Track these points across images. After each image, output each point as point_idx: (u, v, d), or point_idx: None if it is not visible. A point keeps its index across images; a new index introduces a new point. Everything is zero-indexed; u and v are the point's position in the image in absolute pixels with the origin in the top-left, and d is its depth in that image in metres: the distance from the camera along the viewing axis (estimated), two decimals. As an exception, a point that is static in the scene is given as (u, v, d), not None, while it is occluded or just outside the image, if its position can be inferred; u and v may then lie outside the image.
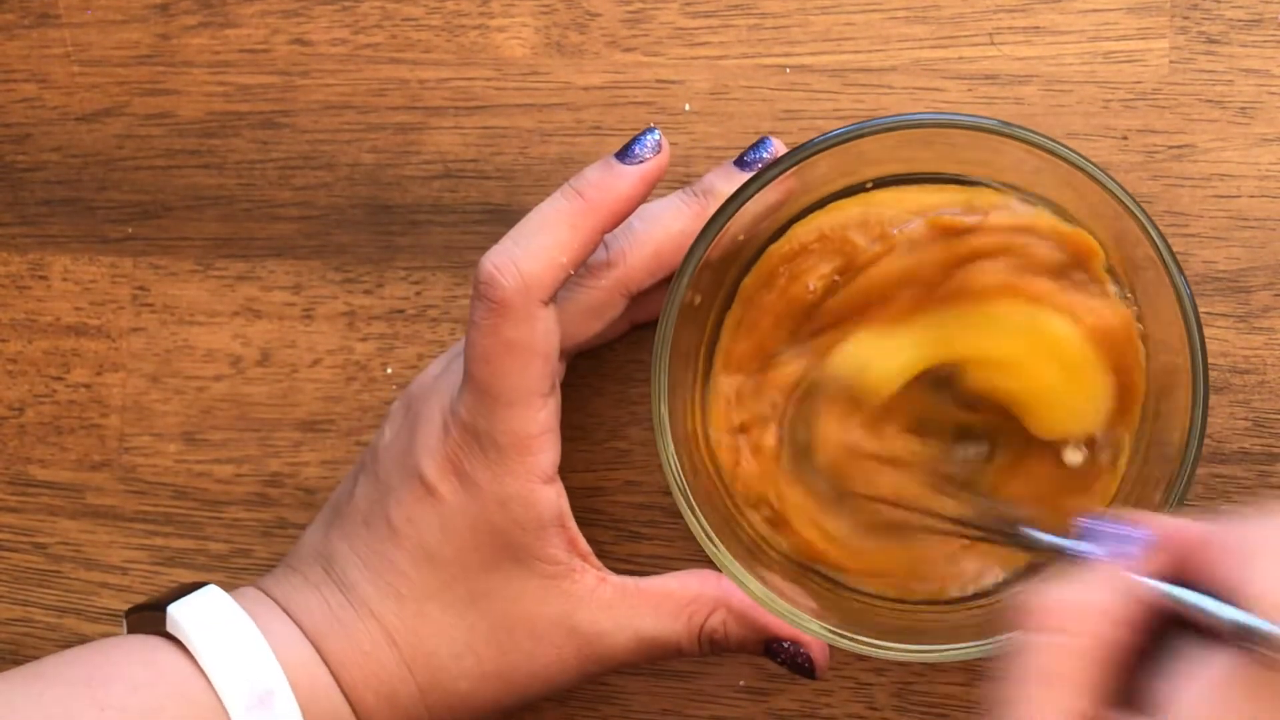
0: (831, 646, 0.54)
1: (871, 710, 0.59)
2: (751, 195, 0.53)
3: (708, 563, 0.59)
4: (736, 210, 0.53)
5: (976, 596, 0.56)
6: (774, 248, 0.56)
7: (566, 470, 0.61)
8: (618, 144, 0.55)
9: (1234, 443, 0.58)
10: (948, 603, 0.56)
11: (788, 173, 0.53)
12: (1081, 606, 0.43)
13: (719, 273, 0.55)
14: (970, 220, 0.54)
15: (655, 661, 0.56)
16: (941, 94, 0.60)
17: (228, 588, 0.54)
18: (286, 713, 0.52)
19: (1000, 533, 0.54)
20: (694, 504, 0.54)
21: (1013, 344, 0.54)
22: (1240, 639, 0.41)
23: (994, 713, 0.43)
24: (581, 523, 0.61)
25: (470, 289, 0.53)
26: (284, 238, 0.63)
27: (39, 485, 0.64)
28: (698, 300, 0.54)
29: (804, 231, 0.55)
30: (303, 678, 0.53)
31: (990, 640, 0.52)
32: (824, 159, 0.53)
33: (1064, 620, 0.42)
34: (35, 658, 0.63)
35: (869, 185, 0.56)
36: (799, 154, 0.52)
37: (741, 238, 0.55)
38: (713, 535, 0.54)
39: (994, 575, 0.56)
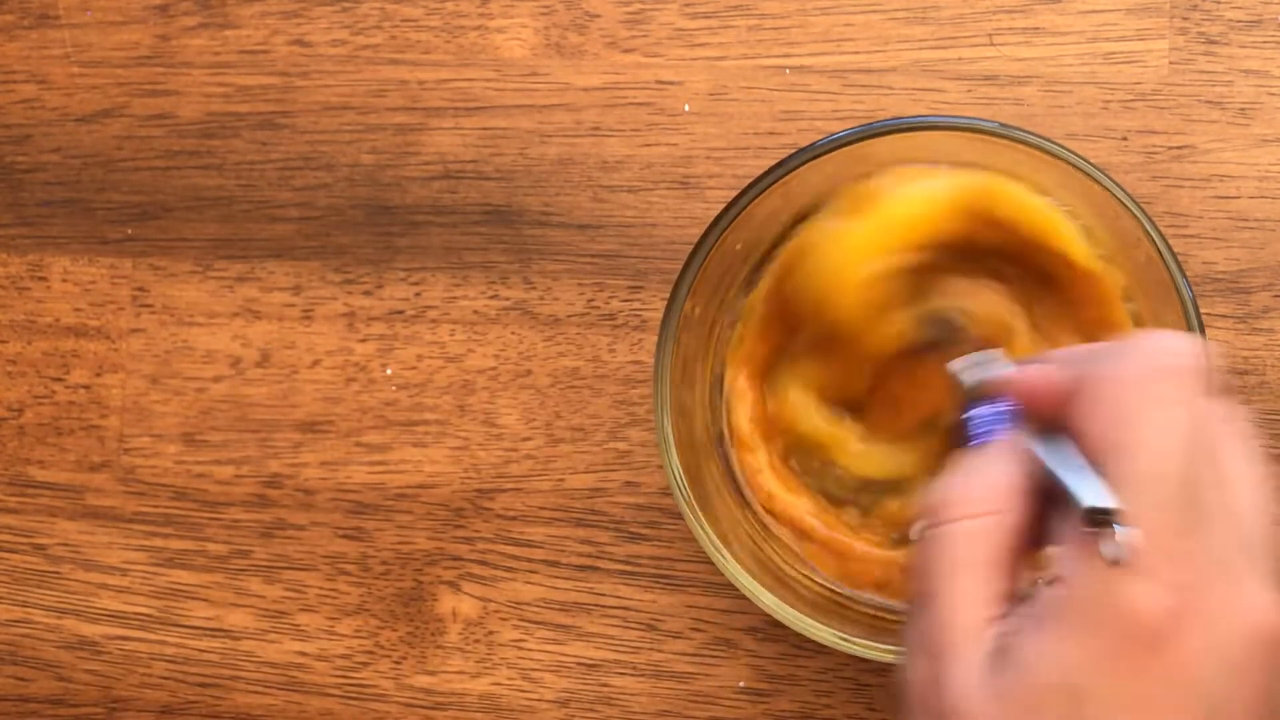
0: (833, 648, 0.54)
1: (871, 711, 0.60)
2: (747, 205, 0.53)
3: (708, 564, 0.59)
4: (733, 220, 0.53)
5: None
6: (786, 250, 0.56)
7: (566, 471, 0.61)
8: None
9: (1234, 443, 0.58)
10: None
11: (782, 180, 0.53)
12: (979, 489, 0.42)
13: (718, 281, 0.55)
14: None
15: None
16: (941, 95, 0.60)
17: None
18: None
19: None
20: (700, 515, 0.54)
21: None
22: (1090, 523, 0.39)
23: (914, 611, 0.42)
24: (581, 524, 0.61)
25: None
26: (284, 239, 0.63)
27: (38, 486, 0.64)
28: (697, 311, 0.55)
29: (812, 232, 0.56)
30: None
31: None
32: (823, 164, 0.53)
33: (966, 507, 0.42)
34: (35, 659, 0.63)
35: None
36: (795, 160, 0.52)
37: (739, 247, 0.55)
38: (720, 546, 0.54)
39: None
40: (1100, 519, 0.39)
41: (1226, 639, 0.39)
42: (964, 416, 0.45)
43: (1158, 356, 0.42)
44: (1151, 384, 0.41)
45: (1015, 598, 0.41)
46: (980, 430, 0.45)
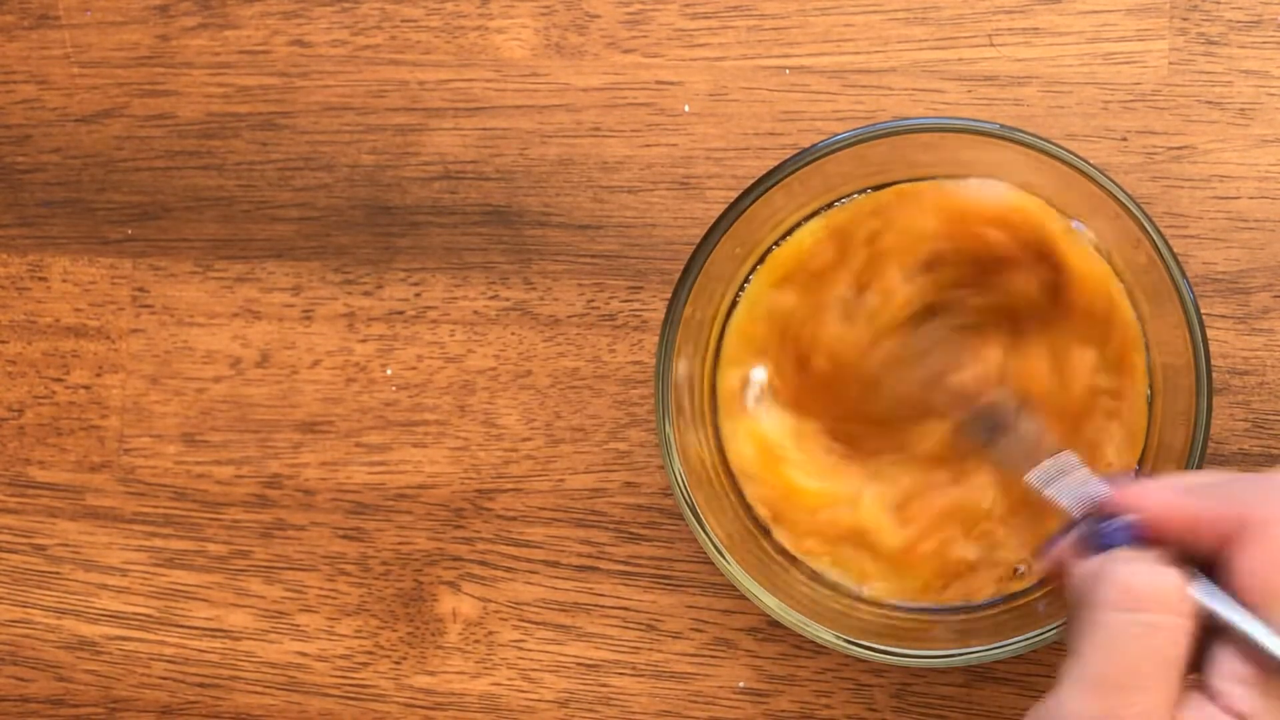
0: (832, 648, 0.54)
1: (871, 711, 0.60)
2: (747, 206, 0.53)
3: (708, 564, 0.59)
4: (734, 221, 0.53)
5: (986, 605, 0.57)
6: (779, 251, 0.56)
7: (566, 471, 0.61)
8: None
9: (1233, 444, 0.58)
10: (960, 609, 0.57)
11: (782, 183, 0.53)
12: (1169, 589, 0.43)
13: (718, 282, 0.55)
14: None
15: None
16: (941, 95, 0.60)
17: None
18: None
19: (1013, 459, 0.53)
20: (701, 516, 0.54)
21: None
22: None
23: (1093, 695, 0.42)
24: (581, 524, 0.61)
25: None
26: (283, 239, 0.63)
27: (38, 486, 0.64)
28: (698, 315, 0.55)
29: (807, 233, 0.56)
30: None
31: (1000, 644, 0.53)
32: (824, 164, 0.53)
33: (1175, 602, 0.43)
34: (35, 659, 0.63)
35: (869, 189, 0.56)
36: (796, 161, 0.53)
37: (739, 250, 0.55)
38: (721, 547, 0.54)
39: (1013, 584, 0.57)
40: None
41: None
42: (1090, 526, 0.46)
43: None
44: None
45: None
46: (1111, 535, 0.46)
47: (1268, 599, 0.42)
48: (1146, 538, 0.45)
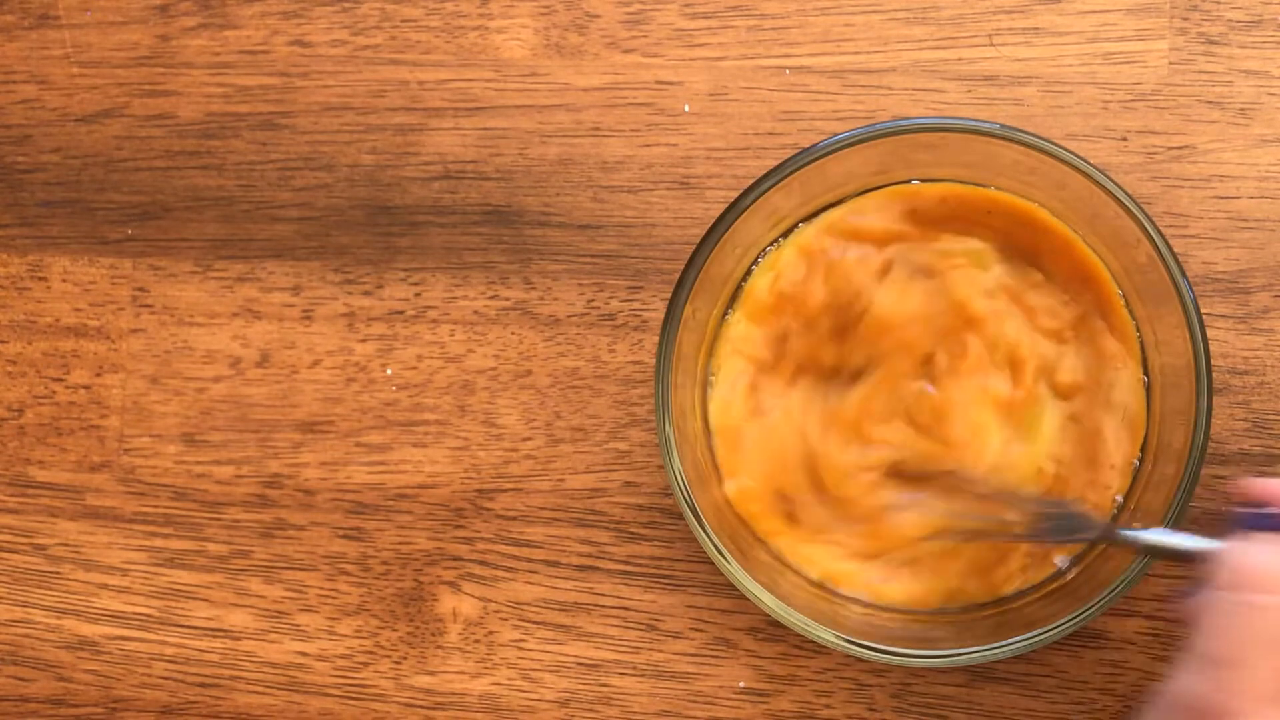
0: (832, 648, 0.54)
1: (871, 711, 0.60)
2: (747, 206, 0.53)
3: (708, 564, 0.59)
4: (734, 221, 0.53)
5: (986, 605, 0.57)
6: (776, 252, 0.56)
7: (566, 471, 0.61)
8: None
9: (1233, 443, 0.58)
10: (960, 609, 0.57)
11: (782, 184, 0.53)
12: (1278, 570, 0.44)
13: (716, 283, 0.55)
14: None
15: None
16: (941, 95, 0.60)
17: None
18: None
19: (1074, 532, 0.54)
20: (701, 516, 0.54)
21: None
22: None
23: (1204, 671, 0.43)
24: (581, 524, 0.61)
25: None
26: (283, 239, 0.63)
27: (39, 486, 0.64)
28: (698, 314, 0.55)
29: (806, 232, 0.56)
30: None
31: (1000, 644, 0.53)
32: (824, 164, 0.53)
33: (1270, 583, 0.44)
34: (35, 659, 0.63)
35: (869, 190, 0.56)
36: (796, 161, 0.53)
37: (739, 250, 0.55)
38: (721, 547, 0.54)
39: (1014, 583, 0.57)
40: None
41: None
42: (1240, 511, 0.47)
43: None
44: None
45: None
46: (1258, 520, 0.47)
47: None
48: None
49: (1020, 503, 0.55)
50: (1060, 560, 0.56)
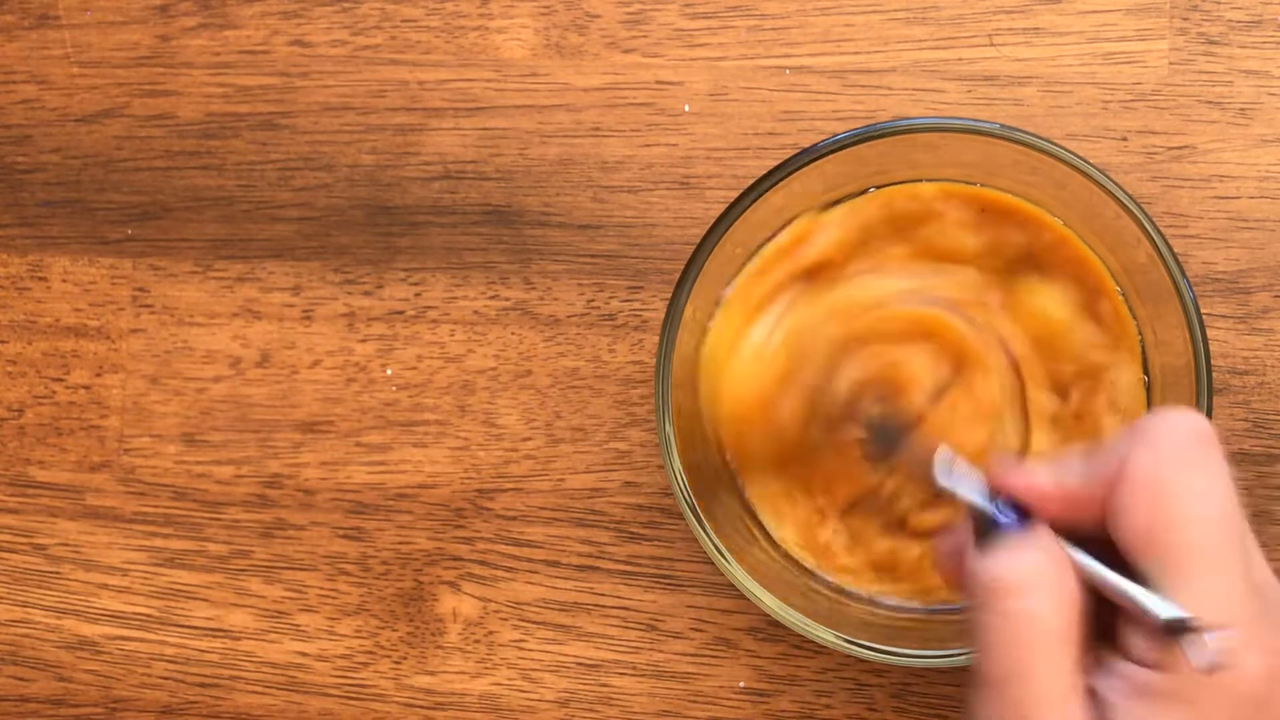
0: (832, 648, 0.54)
1: (871, 711, 0.60)
2: (748, 207, 0.53)
3: (708, 564, 0.59)
4: (734, 222, 0.53)
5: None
6: (773, 243, 0.56)
7: (566, 471, 0.61)
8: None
9: (1233, 444, 0.58)
10: (960, 609, 0.57)
11: (782, 184, 0.53)
12: (1036, 567, 0.43)
13: (716, 283, 0.55)
14: None
15: None
16: (941, 95, 0.60)
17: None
18: None
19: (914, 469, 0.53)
20: (701, 516, 0.54)
21: None
22: (1173, 633, 0.41)
23: (987, 692, 0.42)
24: (581, 524, 0.61)
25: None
26: (283, 239, 0.63)
27: (39, 486, 0.64)
28: (697, 314, 0.55)
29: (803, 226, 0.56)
30: None
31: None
32: (824, 165, 0.53)
33: (1030, 585, 0.42)
34: (35, 659, 0.63)
35: (869, 190, 0.56)
36: (796, 161, 0.52)
37: (739, 250, 0.55)
38: (721, 547, 0.54)
39: None
40: (1180, 628, 0.40)
41: None
42: (981, 507, 0.45)
43: (1178, 431, 0.43)
44: (1185, 456, 0.43)
45: (1089, 672, 0.43)
46: (1006, 518, 0.45)
47: (1149, 548, 0.42)
48: (1034, 517, 0.44)
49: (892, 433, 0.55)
50: None
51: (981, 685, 0.42)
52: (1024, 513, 0.44)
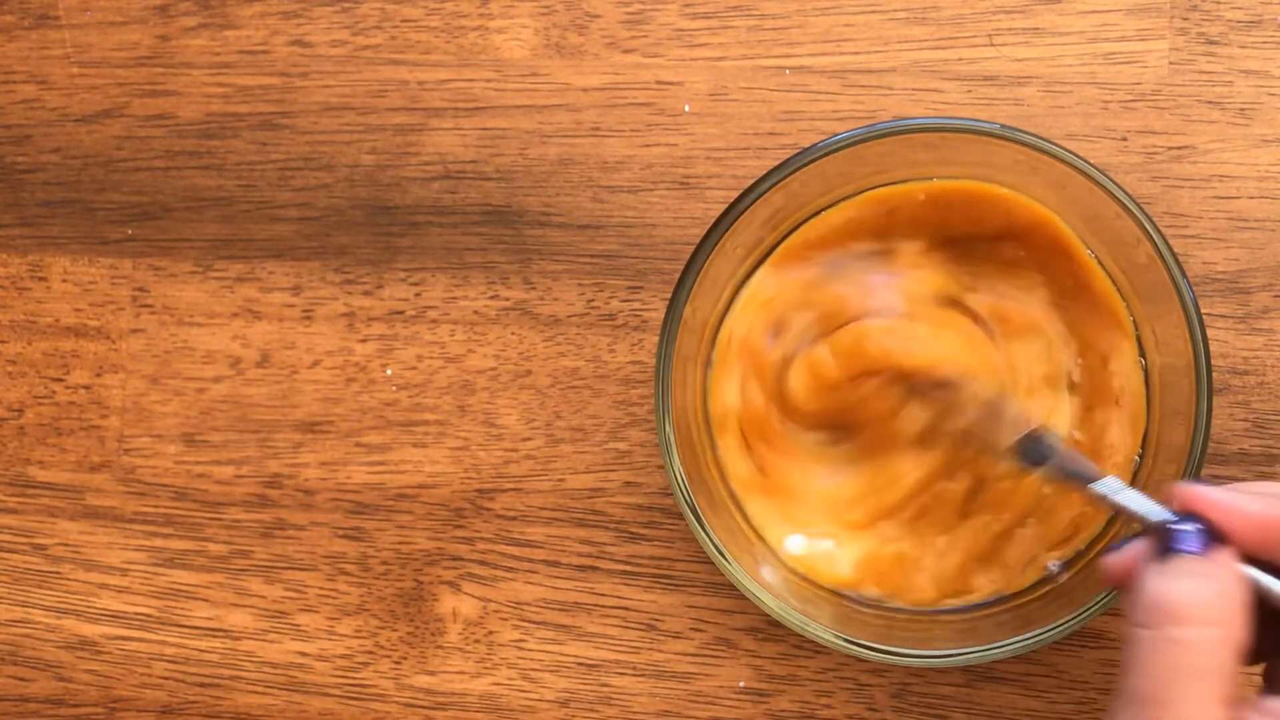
0: (832, 648, 0.54)
1: (871, 711, 0.60)
2: (748, 207, 0.53)
3: (708, 564, 0.59)
4: (734, 222, 0.53)
5: (986, 605, 0.57)
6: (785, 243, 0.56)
7: (566, 471, 0.61)
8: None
9: (1234, 443, 0.58)
10: (960, 609, 0.57)
11: (782, 184, 0.53)
12: (1211, 598, 0.43)
13: (716, 283, 0.55)
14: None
15: None
16: (941, 95, 0.60)
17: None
18: None
19: (1072, 480, 0.53)
20: (701, 516, 0.54)
21: None
22: None
23: (1135, 710, 0.43)
24: (581, 524, 0.61)
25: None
26: (283, 239, 0.63)
27: (39, 486, 0.64)
28: (697, 314, 0.55)
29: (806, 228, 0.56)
30: None
31: (1000, 644, 0.53)
32: (824, 165, 0.53)
33: (1203, 614, 0.43)
34: (35, 659, 0.63)
35: (868, 189, 0.56)
36: (796, 161, 0.52)
37: (739, 250, 0.55)
38: (721, 547, 0.54)
39: (1000, 586, 0.57)
40: None
41: None
42: (1162, 525, 0.46)
43: None
44: None
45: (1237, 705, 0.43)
46: (1183, 541, 0.45)
47: None
48: (1218, 541, 0.45)
49: (1003, 416, 0.55)
50: (1052, 564, 0.56)
51: (1125, 698, 0.43)
52: (1211, 535, 0.45)
